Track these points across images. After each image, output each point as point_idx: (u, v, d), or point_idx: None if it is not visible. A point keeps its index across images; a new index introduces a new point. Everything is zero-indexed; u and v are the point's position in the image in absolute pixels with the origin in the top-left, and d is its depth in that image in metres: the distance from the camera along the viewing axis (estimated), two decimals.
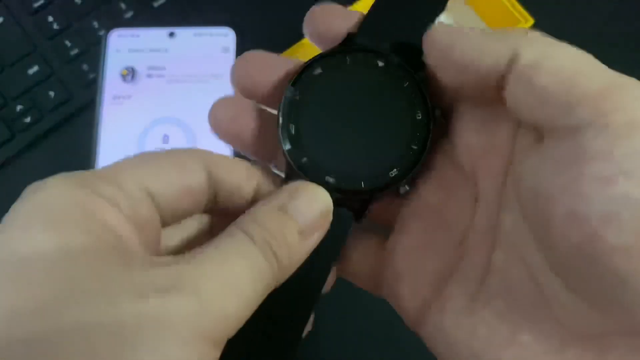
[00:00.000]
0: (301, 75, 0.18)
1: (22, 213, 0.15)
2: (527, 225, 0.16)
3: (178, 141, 0.34)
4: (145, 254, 0.15)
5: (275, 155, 0.20)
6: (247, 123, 0.19)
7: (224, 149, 0.33)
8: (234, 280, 0.14)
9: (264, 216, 0.16)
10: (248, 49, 0.35)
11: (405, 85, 0.18)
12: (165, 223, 0.17)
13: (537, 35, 0.15)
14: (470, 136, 0.18)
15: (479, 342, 0.16)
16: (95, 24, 0.39)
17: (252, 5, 0.41)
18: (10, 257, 0.13)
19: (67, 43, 0.39)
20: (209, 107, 0.34)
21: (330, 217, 0.17)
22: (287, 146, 0.18)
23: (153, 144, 0.34)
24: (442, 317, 0.17)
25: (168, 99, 0.34)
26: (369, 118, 0.18)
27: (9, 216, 0.15)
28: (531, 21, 0.36)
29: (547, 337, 0.15)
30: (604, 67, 0.15)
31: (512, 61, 0.15)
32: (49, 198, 0.15)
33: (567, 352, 0.15)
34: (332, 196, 0.18)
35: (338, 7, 0.19)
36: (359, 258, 0.20)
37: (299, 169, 0.18)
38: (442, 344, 0.17)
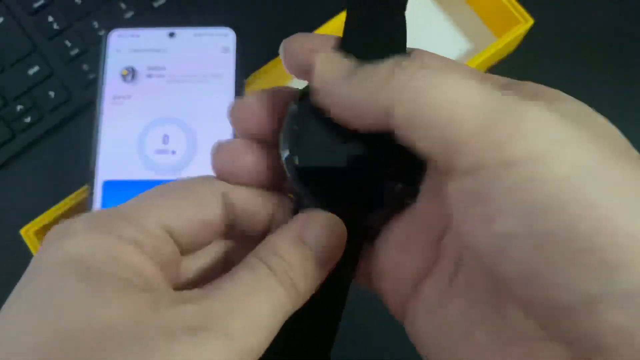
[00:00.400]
0: (294, 107, 0.18)
1: (52, 265, 0.15)
2: None
3: (178, 141, 0.34)
4: (170, 291, 0.16)
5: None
6: (252, 160, 0.19)
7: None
8: (259, 315, 0.15)
9: (283, 247, 0.17)
10: (248, 49, 0.35)
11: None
12: (183, 253, 0.18)
13: (409, 74, 0.15)
14: None
15: (443, 338, 0.17)
16: (96, 24, 0.40)
17: (252, 5, 0.41)
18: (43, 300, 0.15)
19: (67, 43, 0.39)
20: (209, 107, 0.34)
21: (344, 244, 0.18)
22: (295, 180, 0.18)
23: (153, 144, 0.34)
24: (416, 312, 0.18)
25: (168, 99, 0.34)
26: (365, 144, 0.18)
27: (38, 267, 0.16)
28: (531, 21, 0.36)
29: (497, 337, 0.16)
30: (483, 99, 0.14)
31: (388, 119, 0.15)
32: (77, 248, 0.15)
33: (510, 352, 0.15)
34: (345, 216, 0.18)
35: (311, 37, 0.19)
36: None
37: (310, 198, 0.18)
38: (416, 338, 0.18)
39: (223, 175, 0.19)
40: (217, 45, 0.35)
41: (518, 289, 0.14)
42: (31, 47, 0.39)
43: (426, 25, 0.41)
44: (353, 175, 0.18)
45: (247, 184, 0.19)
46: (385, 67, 0.16)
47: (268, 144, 0.19)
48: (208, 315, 0.15)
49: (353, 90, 0.16)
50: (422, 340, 0.18)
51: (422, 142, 0.15)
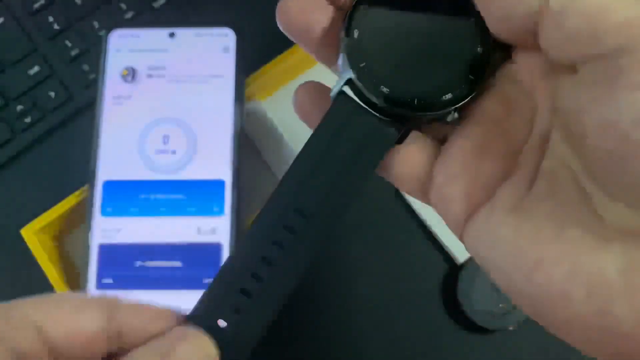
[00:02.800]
0: None
1: None
2: (568, 137, 0.17)
3: (178, 141, 0.34)
4: None
5: (336, 60, 0.19)
6: (319, 18, 0.19)
7: (224, 148, 0.33)
8: None
9: None
10: (248, 50, 0.35)
11: (471, 19, 0.18)
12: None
13: None
14: (533, 56, 0.18)
15: (524, 239, 0.16)
16: (96, 24, 0.40)
17: (252, 6, 0.41)
18: None
19: (68, 43, 0.39)
20: (209, 107, 0.34)
21: None
22: (348, 49, 0.18)
23: (153, 144, 0.34)
24: (489, 216, 0.18)
25: (168, 99, 0.34)
26: (432, 43, 0.18)
27: None
28: None
29: (592, 234, 0.15)
30: (634, 1, 0.15)
31: (543, 7, 0.16)
32: None
33: (611, 247, 0.15)
34: (383, 107, 0.18)
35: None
36: (411, 159, 0.19)
37: (355, 74, 0.18)
38: (486, 243, 0.17)
39: (288, 25, 0.19)
40: (217, 46, 0.35)
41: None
42: (31, 47, 0.39)
43: None
44: (403, 67, 0.18)
45: (307, 42, 0.19)
46: None
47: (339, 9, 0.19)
48: None
49: None
50: (495, 243, 0.17)
51: (568, 28, 0.15)
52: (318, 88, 0.20)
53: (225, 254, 0.32)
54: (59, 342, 0.17)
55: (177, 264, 0.32)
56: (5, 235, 0.37)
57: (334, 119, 0.19)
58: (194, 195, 0.33)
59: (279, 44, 0.37)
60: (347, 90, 0.18)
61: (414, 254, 0.36)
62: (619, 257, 0.15)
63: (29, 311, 0.17)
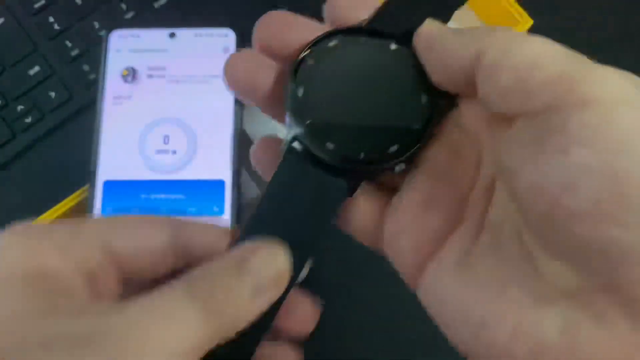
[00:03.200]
0: (318, 43, 0.19)
1: None
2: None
3: (178, 141, 0.34)
4: (88, 300, 0.16)
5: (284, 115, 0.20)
6: (264, 78, 0.19)
7: (224, 148, 0.33)
8: (160, 340, 0.14)
9: (214, 272, 0.16)
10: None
11: (414, 70, 0.18)
12: (129, 274, 0.18)
13: (503, 32, 0.16)
14: (477, 104, 0.18)
15: (470, 296, 0.17)
16: (96, 25, 0.40)
17: (252, 6, 0.41)
18: None
19: (68, 43, 0.39)
20: (209, 107, 0.34)
21: (287, 280, 0.17)
22: (293, 107, 0.18)
23: (154, 144, 0.34)
24: (437, 271, 0.18)
25: (169, 100, 0.34)
26: (377, 96, 0.18)
27: None
28: (530, 22, 0.37)
29: (533, 293, 0.15)
30: (564, 54, 0.15)
31: (477, 61, 0.16)
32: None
33: (552, 307, 0.15)
34: (331, 163, 0.18)
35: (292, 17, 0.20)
36: (363, 211, 0.20)
37: (300, 132, 0.18)
38: (435, 299, 0.18)
39: (235, 84, 0.19)
40: (217, 46, 0.35)
41: (578, 228, 0.14)
42: (32, 47, 0.39)
43: None
44: (349, 122, 0.18)
45: (253, 99, 0.19)
46: (483, 27, 0.17)
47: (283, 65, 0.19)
48: (101, 331, 0.14)
49: (455, 38, 0.17)
50: (443, 300, 0.17)
51: (501, 83, 0.15)
52: (275, 143, 0.20)
53: None
54: (127, 258, 0.17)
55: None
56: None
57: (284, 176, 0.18)
58: (194, 195, 0.33)
59: None
60: (296, 146, 0.18)
61: None
62: (559, 317, 0.15)
63: (97, 228, 0.17)
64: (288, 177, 0.18)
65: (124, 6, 0.40)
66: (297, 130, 0.18)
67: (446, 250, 0.18)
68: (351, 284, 0.36)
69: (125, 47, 0.35)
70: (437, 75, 0.18)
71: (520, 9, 0.37)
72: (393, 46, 0.18)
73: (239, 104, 0.34)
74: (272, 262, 0.17)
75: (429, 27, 0.18)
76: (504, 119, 0.16)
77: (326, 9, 0.19)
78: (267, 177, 0.19)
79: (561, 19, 0.41)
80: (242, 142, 0.34)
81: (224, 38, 0.35)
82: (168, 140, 0.34)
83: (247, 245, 0.17)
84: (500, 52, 0.16)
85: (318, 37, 0.19)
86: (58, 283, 0.15)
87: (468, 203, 0.18)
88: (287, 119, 0.18)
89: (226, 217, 0.33)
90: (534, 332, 0.15)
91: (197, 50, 0.35)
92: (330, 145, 0.18)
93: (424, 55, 0.18)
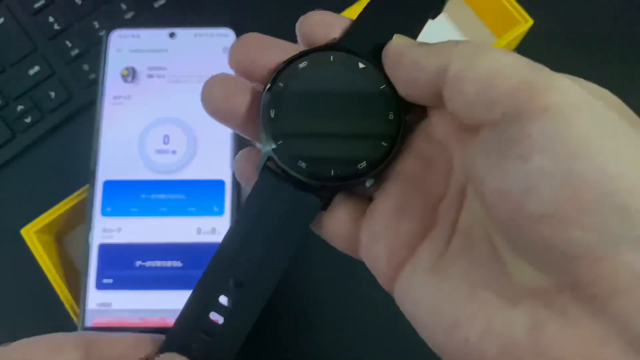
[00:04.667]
0: (289, 65, 0.19)
1: None
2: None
3: (178, 141, 0.34)
4: None
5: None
6: (241, 101, 0.20)
7: (224, 148, 0.33)
8: None
9: None
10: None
11: (381, 87, 0.19)
12: None
13: (466, 44, 0.17)
14: (446, 114, 0.19)
15: (442, 298, 0.17)
16: (96, 25, 0.40)
17: (252, 6, 0.41)
18: None
19: (68, 43, 0.39)
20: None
21: None
22: (266, 128, 0.19)
23: (153, 144, 0.34)
24: (411, 275, 0.19)
25: (168, 99, 0.34)
26: (345, 113, 0.19)
27: None
28: (530, 21, 0.37)
29: (502, 293, 0.16)
30: (523, 64, 0.16)
31: (443, 74, 0.17)
32: None
33: (519, 306, 0.16)
34: (303, 181, 0.19)
35: (330, 14, 0.20)
36: (340, 220, 0.20)
37: (274, 151, 0.19)
38: (410, 301, 0.18)
39: (212, 109, 0.20)
40: (217, 46, 0.35)
41: (540, 230, 0.15)
42: (32, 47, 0.40)
43: (426, 26, 0.41)
44: (319, 141, 0.19)
45: (231, 123, 0.20)
46: (448, 41, 0.18)
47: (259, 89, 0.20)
48: None
49: (421, 52, 0.18)
50: (417, 302, 0.18)
51: (466, 94, 0.16)
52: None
53: None
54: None
55: (177, 263, 0.32)
56: (5, 235, 0.37)
57: (261, 193, 0.19)
58: (194, 195, 0.33)
59: None
60: (270, 164, 0.19)
61: None
62: (526, 316, 0.16)
63: (7, 357, 0.17)
64: (264, 194, 0.19)
65: (123, 6, 0.40)
66: (270, 150, 0.19)
67: (419, 255, 0.19)
68: (353, 284, 0.36)
69: (125, 47, 0.35)
70: (405, 88, 0.18)
71: (520, 8, 0.37)
72: (361, 64, 0.19)
73: None
74: None
75: (397, 42, 0.19)
76: (471, 129, 0.17)
77: (298, 29, 0.20)
78: (249, 186, 0.20)
79: (561, 19, 0.41)
80: (242, 142, 0.34)
81: (224, 38, 0.35)
82: (168, 140, 0.34)
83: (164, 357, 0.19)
84: (463, 64, 0.16)
85: (289, 59, 0.19)
86: None
87: (440, 210, 0.19)
88: (261, 139, 0.19)
89: (226, 217, 0.33)
90: (503, 330, 0.16)
91: (197, 50, 0.35)
92: (302, 164, 0.19)
93: (392, 70, 0.19)
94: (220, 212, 0.33)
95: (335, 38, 0.20)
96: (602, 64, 0.39)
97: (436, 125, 0.19)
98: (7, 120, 0.39)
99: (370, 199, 0.20)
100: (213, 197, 0.33)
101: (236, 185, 0.33)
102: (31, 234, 0.34)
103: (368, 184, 0.19)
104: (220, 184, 0.33)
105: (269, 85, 0.19)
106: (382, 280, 0.20)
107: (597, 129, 0.14)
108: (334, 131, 0.19)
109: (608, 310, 0.14)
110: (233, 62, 0.20)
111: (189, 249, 0.32)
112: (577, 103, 0.15)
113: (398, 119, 0.19)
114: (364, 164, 0.19)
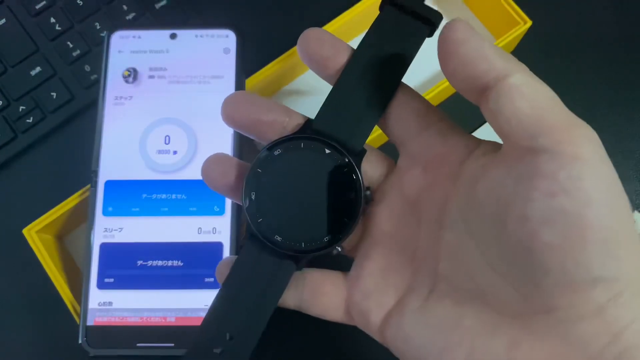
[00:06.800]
0: (264, 153, 0.23)
1: None
2: (474, 232, 0.20)
3: (179, 141, 0.34)
4: None
5: None
6: (235, 176, 0.23)
7: (225, 148, 0.34)
8: None
9: None
10: (248, 51, 0.36)
11: (344, 169, 0.22)
12: None
13: (527, 69, 0.19)
14: (417, 175, 0.22)
15: (431, 330, 0.20)
16: (97, 25, 0.40)
17: (252, 7, 0.42)
18: None
19: (69, 44, 0.40)
20: (210, 107, 0.34)
21: None
22: (247, 208, 0.23)
23: (155, 145, 0.34)
24: (401, 318, 0.21)
25: (169, 100, 0.35)
26: (313, 193, 0.22)
27: None
28: (529, 22, 0.37)
29: (484, 321, 0.19)
30: (566, 109, 0.19)
31: (503, 76, 0.18)
32: None
33: (499, 329, 0.19)
34: (279, 251, 0.23)
35: (323, 31, 0.23)
36: (329, 293, 0.23)
37: (255, 227, 0.22)
38: (401, 340, 0.21)
39: (212, 184, 0.24)
40: (218, 47, 0.35)
41: (543, 255, 0.17)
42: (33, 48, 0.40)
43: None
44: (291, 219, 0.23)
45: (228, 194, 0.24)
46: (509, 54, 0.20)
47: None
48: None
49: (488, 46, 0.19)
50: (408, 338, 0.21)
51: (518, 109, 0.18)
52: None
53: (226, 254, 0.32)
54: None
55: (178, 263, 0.32)
56: (7, 235, 0.37)
57: (246, 259, 0.23)
58: (195, 195, 0.33)
59: (279, 45, 0.37)
60: (252, 236, 0.23)
61: None
62: (505, 337, 0.19)
63: None
64: (249, 259, 0.23)
65: (125, 7, 0.40)
66: (252, 226, 0.22)
67: (407, 302, 0.22)
68: None
69: (127, 47, 0.36)
70: (457, 69, 0.19)
71: (519, 9, 0.37)
72: (327, 150, 0.22)
73: None
74: None
75: (464, 25, 0.19)
76: (489, 161, 0.20)
77: (298, 44, 0.23)
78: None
79: (560, 20, 0.41)
80: (242, 142, 0.34)
81: (225, 39, 0.35)
82: (169, 140, 0.34)
83: None
84: (526, 82, 0.18)
85: (266, 145, 0.23)
86: None
87: (418, 258, 0.22)
88: (245, 216, 0.23)
89: (227, 217, 0.33)
90: (486, 350, 0.19)
91: (198, 51, 0.35)
92: (278, 238, 0.22)
93: (450, 48, 0.19)
94: (221, 212, 0.33)
95: (308, 120, 0.23)
96: (600, 65, 0.40)
97: (407, 183, 0.22)
98: (9, 120, 0.39)
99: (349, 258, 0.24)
100: (214, 197, 0.33)
101: None
102: (33, 233, 0.34)
103: (334, 252, 0.23)
104: None
105: (249, 171, 0.23)
106: (373, 329, 0.22)
107: (604, 185, 0.17)
108: (303, 210, 0.22)
109: (574, 332, 0.17)
110: (224, 115, 0.23)
111: (189, 248, 0.33)
112: (599, 160, 0.17)
113: (358, 196, 0.22)
114: (328, 237, 0.22)
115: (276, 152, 0.23)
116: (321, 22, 0.37)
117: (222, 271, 0.23)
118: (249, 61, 0.36)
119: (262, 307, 0.23)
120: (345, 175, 0.22)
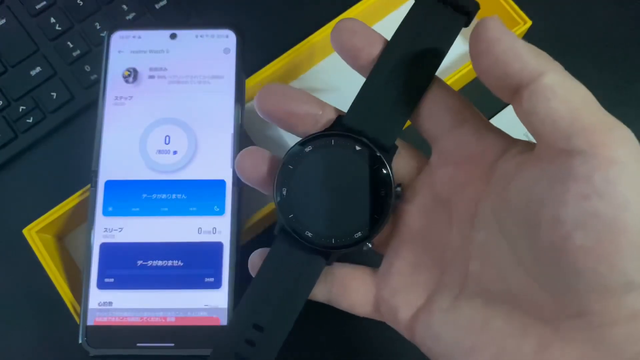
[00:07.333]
0: (296, 149, 0.23)
1: None
2: (507, 233, 0.20)
3: (179, 141, 0.34)
4: None
5: None
6: (267, 170, 0.24)
7: (225, 148, 0.34)
8: None
9: None
10: (249, 51, 0.36)
11: (375, 166, 0.22)
12: None
13: (561, 67, 0.19)
14: (449, 173, 0.22)
15: (460, 330, 0.20)
16: (97, 25, 0.40)
17: (253, 7, 0.42)
18: None
19: (69, 44, 0.40)
20: (210, 107, 0.34)
21: None
22: (279, 203, 0.23)
23: (155, 144, 0.34)
24: (430, 317, 0.21)
25: (169, 100, 0.35)
26: (344, 190, 0.23)
27: None
28: (529, 22, 0.37)
29: (514, 323, 0.19)
30: (601, 109, 0.18)
31: (537, 75, 0.18)
32: None
33: (528, 332, 0.19)
34: (310, 246, 0.23)
35: (359, 25, 0.23)
36: (358, 289, 0.23)
37: (286, 223, 0.23)
38: (430, 338, 0.21)
39: (244, 176, 0.24)
40: (218, 47, 0.35)
41: (576, 258, 0.17)
42: (33, 48, 0.40)
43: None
44: (322, 216, 0.23)
45: (260, 186, 0.24)
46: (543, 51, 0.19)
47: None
48: None
49: (522, 44, 0.19)
50: (437, 337, 0.21)
51: (553, 110, 0.18)
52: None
53: (226, 254, 0.32)
54: None
55: (178, 263, 0.32)
56: (6, 235, 0.37)
57: (277, 253, 0.23)
58: (195, 195, 0.33)
59: (279, 45, 0.37)
60: (284, 231, 0.23)
61: None
62: (534, 339, 0.18)
63: None
64: (280, 254, 0.23)
65: (125, 7, 0.40)
66: (283, 221, 0.23)
67: (437, 300, 0.21)
68: None
69: (127, 47, 0.36)
70: (487, 68, 0.19)
71: (519, 9, 0.37)
72: (357, 147, 0.22)
73: (239, 104, 0.34)
74: None
75: (498, 24, 0.19)
76: (524, 161, 0.19)
77: (331, 35, 0.23)
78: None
79: (559, 20, 0.41)
80: (242, 142, 0.34)
81: (225, 39, 0.35)
82: (169, 140, 0.34)
83: None
84: (560, 82, 0.18)
85: (297, 142, 0.23)
86: None
87: (448, 257, 0.22)
88: (277, 212, 0.23)
89: (227, 217, 0.33)
90: (514, 352, 0.19)
91: (198, 51, 0.35)
92: (308, 234, 0.23)
93: (483, 46, 0.19)
94: (221, 212, 0.33)
95: (338, 116, 0.23)
96: (600, 66, 0.40)
97: (438, 181, 0.22)
98: (9, 120, 0.39)
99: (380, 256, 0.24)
100: (214, 197, 0.33)
101: (237, 185, 0.33)
102: (33, 233, 0.34)
103: (365, 248, 0.23)
104: (221, 183, 0.33)
105: (281, 167, 0.23)
106: (401, 326, 0.22)
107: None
108: (335, 206, 0.23)
109: (607, 337, 0.17)
110: (258, 106, 0.23)
111: (189, 248, 0.33)
112: (634, 162, 0.17)
113: (388, 194, 0.22)
114: (359, 234, 0.22)
115: (307, 149, 0.23)
116: (321, 22, 0.37)
117: (254, 263, 0.23)
118: (249, 61, 0.36)
119: (293, 300, 0.23)
120: (375, 172, 0.22)
